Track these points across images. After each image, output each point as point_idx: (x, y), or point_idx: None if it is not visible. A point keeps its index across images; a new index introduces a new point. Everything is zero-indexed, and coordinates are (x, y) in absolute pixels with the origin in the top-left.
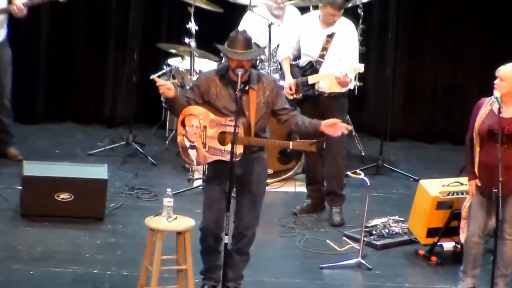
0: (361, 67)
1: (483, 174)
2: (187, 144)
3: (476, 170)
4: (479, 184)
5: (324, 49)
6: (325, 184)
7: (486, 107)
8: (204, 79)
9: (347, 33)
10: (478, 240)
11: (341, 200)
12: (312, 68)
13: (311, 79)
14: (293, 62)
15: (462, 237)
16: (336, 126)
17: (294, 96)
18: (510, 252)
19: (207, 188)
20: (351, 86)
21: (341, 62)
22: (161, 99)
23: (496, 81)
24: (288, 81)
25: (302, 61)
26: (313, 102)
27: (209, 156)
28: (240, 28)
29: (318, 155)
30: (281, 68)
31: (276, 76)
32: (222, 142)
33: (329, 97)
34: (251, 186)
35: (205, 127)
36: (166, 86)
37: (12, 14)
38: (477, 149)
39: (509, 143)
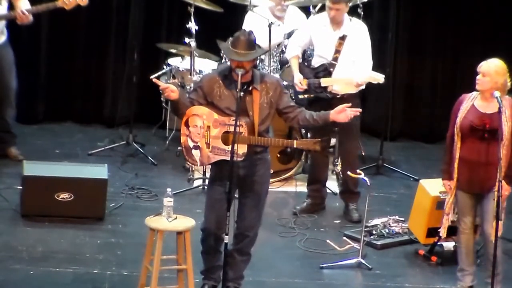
0: (381, 78)
1: (463, 170)
2: (191, 144)
3: (456, 166)
4: (452, 186)
5: (337, 51)
6: (339, 183)
7: (467, 102)
8: (206, 80)
9: (359, 35)
10: (471, 232)
11: (356, 197)
12: (326, 70)
13: (324, 81)
14: (305, 63)
15: (443, 231)
16: (345, 112)
17: (305, 95)
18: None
19: (210, 189)
20: (363, 86)
21: (356, 65)
22: (161, 99)
23: (478, 77)
24: (298, 77)
25: (315, 62)
26: (326, 104)
27: (213, 156)
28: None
29: (324, 155)
30: (281, 68)
31: (276, 76)
32: (225, 142)
33: (342, 99)
34: (254, 187)
35: (208, 127)
36: (169, 89)
37: (16, 20)
38: (458, 145)
39: (491, 140)
